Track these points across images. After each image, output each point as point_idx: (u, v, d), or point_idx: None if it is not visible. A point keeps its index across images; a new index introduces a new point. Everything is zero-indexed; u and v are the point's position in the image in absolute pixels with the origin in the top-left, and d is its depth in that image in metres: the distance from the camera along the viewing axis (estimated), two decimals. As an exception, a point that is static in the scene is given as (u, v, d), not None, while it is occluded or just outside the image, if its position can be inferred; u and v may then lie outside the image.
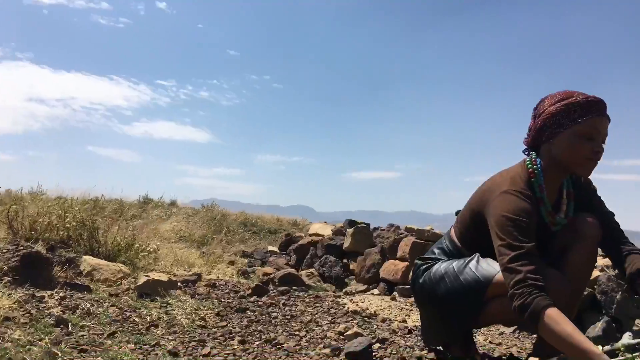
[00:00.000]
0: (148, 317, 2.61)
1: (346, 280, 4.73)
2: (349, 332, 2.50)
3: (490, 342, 2.75)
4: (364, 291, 4.22)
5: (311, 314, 3.03)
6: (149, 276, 3.04)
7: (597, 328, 2.63)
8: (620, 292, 2.87)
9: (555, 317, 1.64)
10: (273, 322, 2.77)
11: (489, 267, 1.95)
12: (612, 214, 2.12)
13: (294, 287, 4.02)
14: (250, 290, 3.58)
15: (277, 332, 2.54)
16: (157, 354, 2.05)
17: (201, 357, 2.07)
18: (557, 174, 2.01)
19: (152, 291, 2.97)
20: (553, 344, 1.67)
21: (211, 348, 2.18)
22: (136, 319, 2.56)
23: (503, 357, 2.47)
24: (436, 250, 2.27)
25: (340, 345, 2.30)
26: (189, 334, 2.42)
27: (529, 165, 2.01)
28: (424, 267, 2.21)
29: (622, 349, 1.53)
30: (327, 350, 2.24)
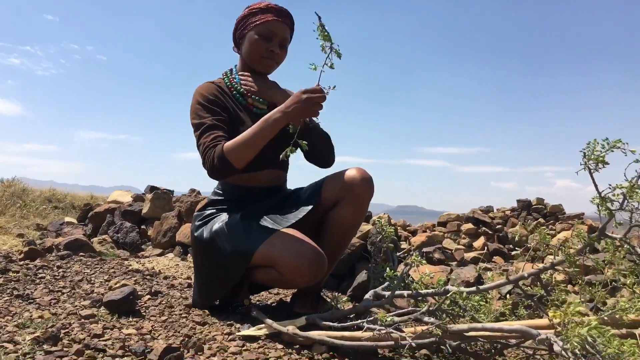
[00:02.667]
0: None
1: (143, 246, 4.55)
2: (117, 285, 2.39)
3: (269, 292, 2.84)
4: (158, 255, 4.10)
5: (86, 274, 2.84)
6: None
7: (364, 273, 2.86)
8: (385, 243, 3.15)
9: (231, 142, 1.90)
10: (37, 281, 2.54)
11: (254, 238, 1.97)
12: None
13: (81, 254, 3.74)
14: (22, 255, 3.25)
15: (35, 289, 2.33)
16: None
17: None
18: (251, 72, 2.22)
19: None
20: (249, 152, 1.91)
21: (-58, 306, 1.92)
22: None
23: (273, 304, 2.56)
24: (210, 196, 2.30)
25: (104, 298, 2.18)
26: None
27: (225, 70, 2.28)
28: (198, 220, 2.19)
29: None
30: (87, 302, 2.11)
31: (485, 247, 8.05)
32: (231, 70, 2.28)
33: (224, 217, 2.12)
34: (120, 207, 5.07)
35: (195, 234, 2.15)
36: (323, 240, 2.09)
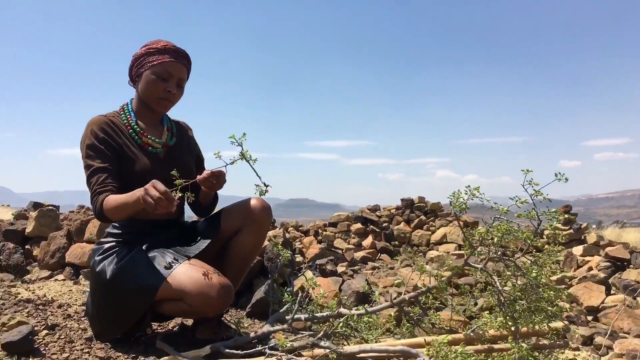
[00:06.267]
0: None
1: (28, 268, 4.34)
2: (12, 322, 2.34)
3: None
4: (47, 278, 3.95)
5: (-28, 309, 2.72)
6: None
7: (261, 290, 3.00)
8: (280, 259, 3.32)
9: (110, 199, 1.97)
10: None
11: (157, 272, 2.03)
12: (203, 159, 2.52)
13: (-40, 281, 3.53)
14: None
15: None
16: None
17: None
18: (148, 110, 2.28)
19: None
20: (123, 214, 1.97)
21: None
22: None
23: (175, 328, 2.63)
24: (109, 229, 2.31)
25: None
26: None
27: (122, 105, 2.31)
28: (98, 255, 2.19)
29: None
30: (-19, 345, 2.06)
31: (374, 246, 8.55)
32: (127, 105, 2.30)
33: (126, 251, 2.15)
34: (1, 226, 4.78)
35: (97, 269, 2.14)
36: (226, 266, 2.23)
